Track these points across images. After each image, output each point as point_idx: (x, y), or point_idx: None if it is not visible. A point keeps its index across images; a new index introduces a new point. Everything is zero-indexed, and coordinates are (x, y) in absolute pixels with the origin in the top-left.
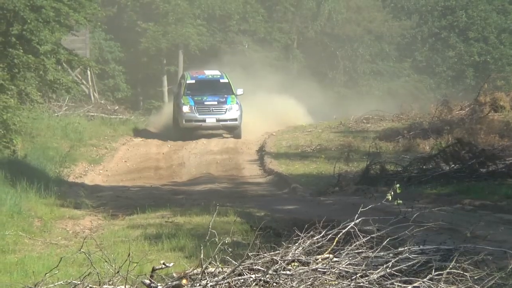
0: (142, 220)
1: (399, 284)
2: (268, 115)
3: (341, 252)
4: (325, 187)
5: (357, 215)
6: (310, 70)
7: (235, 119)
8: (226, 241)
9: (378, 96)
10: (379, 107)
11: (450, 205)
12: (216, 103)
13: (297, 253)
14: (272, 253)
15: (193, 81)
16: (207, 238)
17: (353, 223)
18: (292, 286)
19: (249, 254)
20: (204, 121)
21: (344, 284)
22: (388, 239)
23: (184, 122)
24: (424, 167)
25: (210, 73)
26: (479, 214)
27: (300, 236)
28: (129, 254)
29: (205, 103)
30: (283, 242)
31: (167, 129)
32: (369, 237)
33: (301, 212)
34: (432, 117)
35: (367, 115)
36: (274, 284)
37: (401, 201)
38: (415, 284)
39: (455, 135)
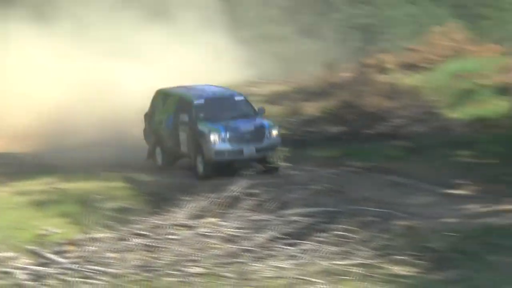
0: (28, 187)
1: (287, 247)
2: None
3: (228, 215)
4: None
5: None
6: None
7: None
8: (113, 207)
9: (264, 59)
10: (266, 71)
11: (338, 167)
12: (253, 128)
13: (181, 217)
14: (156, 217)
15: (202, 101)
16: (91, 203)
17: (240, 188)
18: (181, 250)
19: (134, 219)
20: (241, 152)
21: (234, 248)
22: (275, 203)
23: (214, 155)
24: (311, 130)
25: (213, 89)
26: (366, 176)
27: (185, 200)
28: (13, 221)
29: (240, 129)
30: (167, 208)
31: None
32: (256, 200)
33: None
34: (319, 80)
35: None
36: (163, 248)
37: (287, 164)
38: (303, 247)
39: (342, 97)
